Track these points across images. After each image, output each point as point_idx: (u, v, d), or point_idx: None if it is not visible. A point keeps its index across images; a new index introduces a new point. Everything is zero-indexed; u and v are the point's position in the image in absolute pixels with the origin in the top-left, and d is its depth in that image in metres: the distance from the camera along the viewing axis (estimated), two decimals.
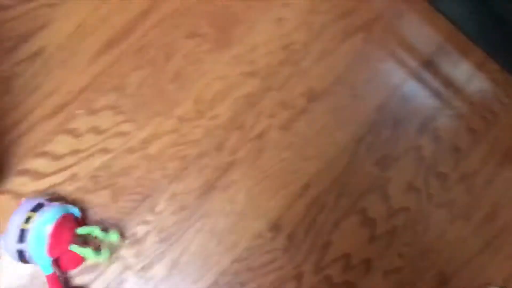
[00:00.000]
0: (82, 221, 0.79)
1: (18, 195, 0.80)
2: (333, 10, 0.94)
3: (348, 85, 0.91)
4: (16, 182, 0.81)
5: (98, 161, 0.83)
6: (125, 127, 0.85)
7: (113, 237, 0.77)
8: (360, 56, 0.92)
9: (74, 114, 0.84)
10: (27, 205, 0.75)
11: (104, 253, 0.76)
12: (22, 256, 0.73)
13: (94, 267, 0.79)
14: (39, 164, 0.82)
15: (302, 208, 0.85)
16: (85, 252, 0.74)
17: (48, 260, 0.73)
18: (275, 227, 0.84)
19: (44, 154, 0.83)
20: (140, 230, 0.81)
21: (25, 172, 0.82)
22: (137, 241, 0.81)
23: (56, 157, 0.83)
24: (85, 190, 0.82)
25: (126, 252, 0.80)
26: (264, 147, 0.87)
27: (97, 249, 0.76)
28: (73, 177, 0.82)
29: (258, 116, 0.88)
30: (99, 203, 0.81)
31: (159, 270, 0.80)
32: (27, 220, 0.72)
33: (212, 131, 0.86)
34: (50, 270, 0.74)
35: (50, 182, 0.82)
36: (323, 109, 0.89)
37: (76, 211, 0.78)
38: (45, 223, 0.72)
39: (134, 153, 0.84)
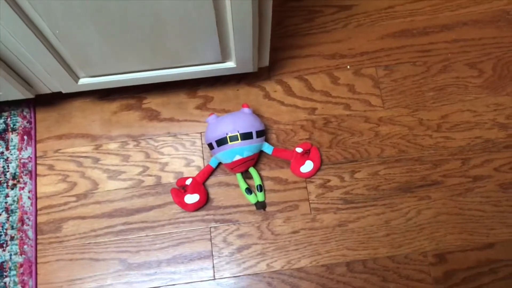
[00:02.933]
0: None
1: (264, 92, 0.96)
2: None
3: None
4: (270, 86, 0.97)
5: (338, 110, 0.95)
6: (374, 100, 0.95)
7: (260, 196, 0.89)
8: None
9: (345, 67, 0.98)
10: (246, 123, 0.85)
11: (250, 198, 0.89)
12: (210, 147, 0.87)
13: (283, 181, 0.91)
14: (294, 84, 0.97)
15: (474, 260, 0.86)
16: (241, 185, 0.89)
17: (216, 163, 0.90)
18: (440, 257, 0.86)
19: (303, 80, 0.97)
20: (334, 181, 0.91)
21: (281, 83, 0.97)
22: (326, 187, 0.90)
23: (310, 88, 0.97)
24: (315, 124, 0.94)
25: (313, 188, 0.90)
26: (473, 190, 0.90)
27: (249, 191, 0.89)
28: (312, 110, 0.95)
29: (485, 162, 0.91)
30: (317, 140, 0.93)
31: (326, 218, 0.89)
32: (233, 137, 0.84)
33: (440, 148, 0.92)
34: (214, 165, 0.91)
35: (292, 101, 0.96)
36: None
37: (268, 149, 0.90)
38: (239, 153, 0.85)
39: (367, 123, 0.94)
